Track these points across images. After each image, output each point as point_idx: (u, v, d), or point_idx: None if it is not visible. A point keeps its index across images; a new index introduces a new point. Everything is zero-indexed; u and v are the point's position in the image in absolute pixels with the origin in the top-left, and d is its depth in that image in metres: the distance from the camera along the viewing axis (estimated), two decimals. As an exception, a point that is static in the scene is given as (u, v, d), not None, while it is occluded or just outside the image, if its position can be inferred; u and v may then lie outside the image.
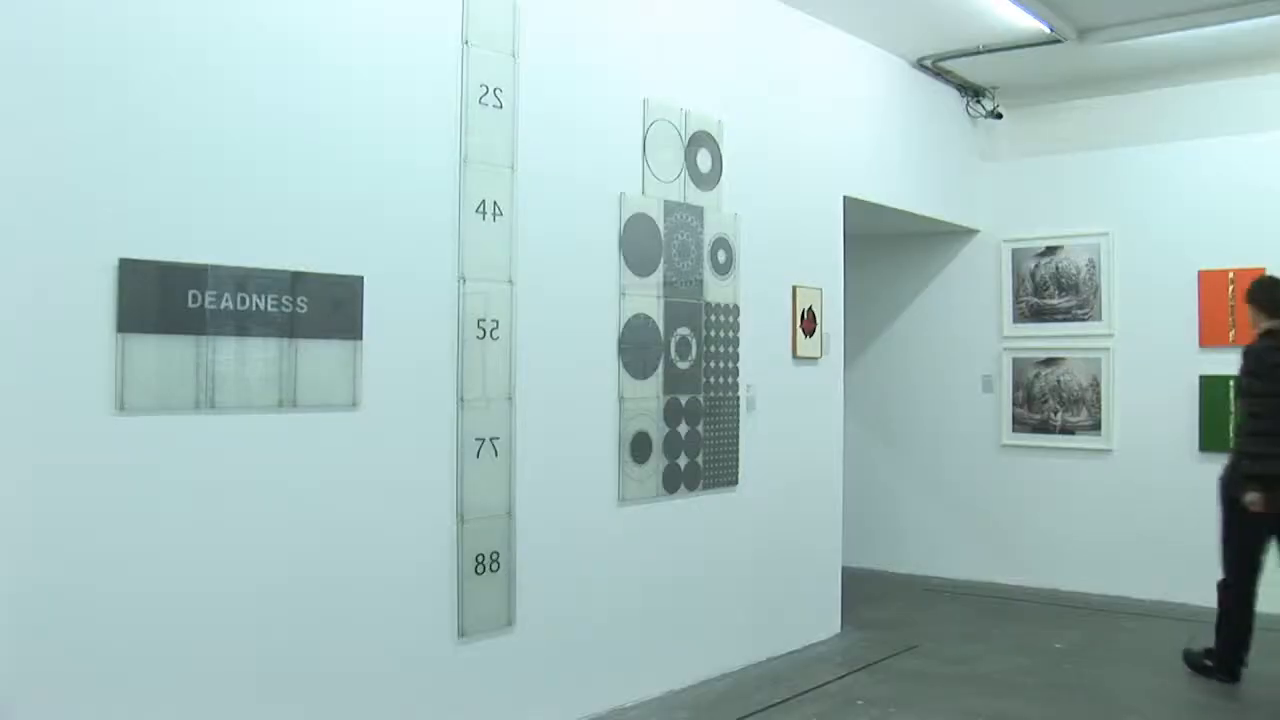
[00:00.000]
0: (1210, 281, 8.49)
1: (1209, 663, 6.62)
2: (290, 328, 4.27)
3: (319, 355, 4.38)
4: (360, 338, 4.52)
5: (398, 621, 4.69)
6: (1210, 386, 8.44)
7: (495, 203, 5.10)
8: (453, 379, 4.93)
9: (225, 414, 4.08)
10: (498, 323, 5.11)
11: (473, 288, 4.99)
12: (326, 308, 4.40)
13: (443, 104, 4.90)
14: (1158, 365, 8.68)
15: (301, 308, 4.30)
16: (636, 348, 5.90)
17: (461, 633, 4.96)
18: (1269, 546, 6.40)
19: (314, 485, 4.37)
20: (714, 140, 6.42)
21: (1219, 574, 6.73)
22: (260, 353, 4.19)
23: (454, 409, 4.93)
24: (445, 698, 4.90)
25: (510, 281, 5.18)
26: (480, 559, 5.03)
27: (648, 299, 5.97)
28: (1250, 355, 6.42)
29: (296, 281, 4.28)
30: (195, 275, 3.98)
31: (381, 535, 4.62)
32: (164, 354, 3.90)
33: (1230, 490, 6.41)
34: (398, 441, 4.69)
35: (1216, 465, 8.28)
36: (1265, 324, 6.46)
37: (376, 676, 4.60)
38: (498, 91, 5.13)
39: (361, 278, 4.53)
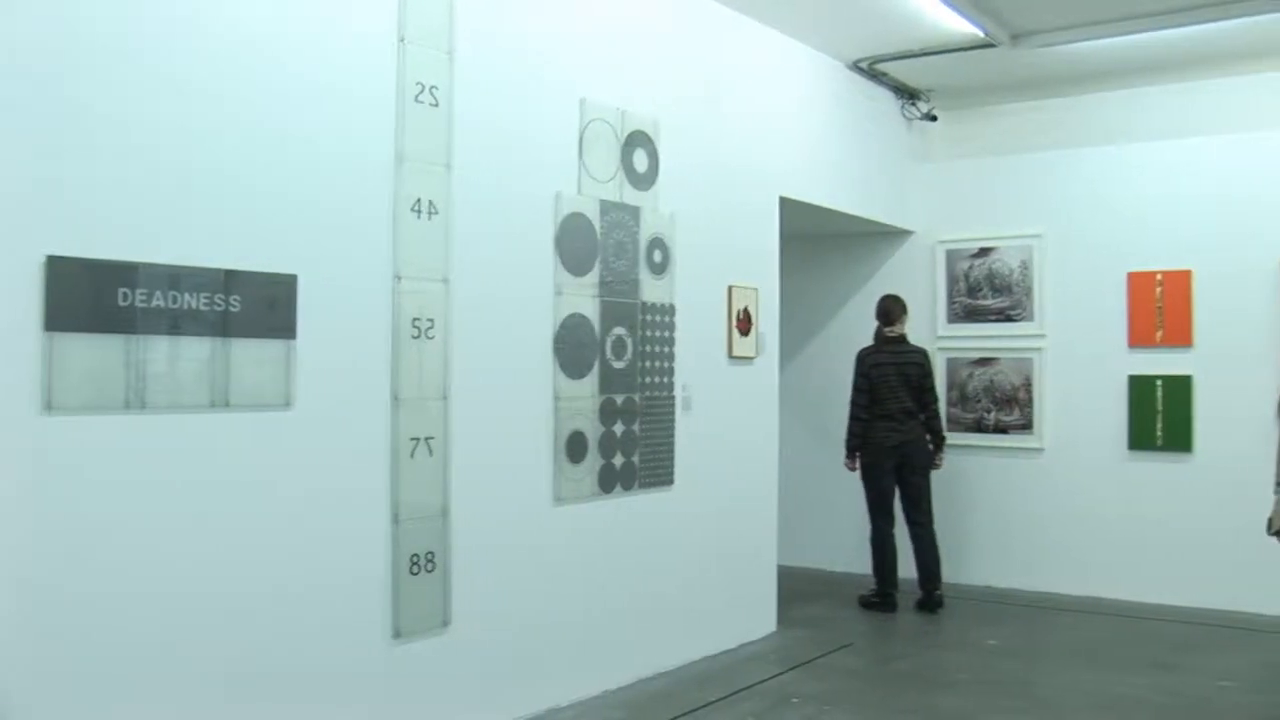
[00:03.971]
0: (1139, 283, 8.63)
1: (875, 600, 8.40)
2: (223, 326, 4.23)
3: (252, 354, 4.34)
4: (294, 337, 4.49)
5: (332, 622, 4.66)
6: (1139, 386, 8.58)
7: (430, 201, 5.09)
8: (387, 378, 4.90)
9: (156, 414, 4.04)
10: (433, 322, 5.10)
11: (408, 286, 4.97)
12: (260, 306, 4.36)
13: (378, 101, 4.87)
14: (1088, 365, 8.81)
15: (234, 306, 4.26)
16: (572, 347, 5.90)
17: (397, 633, 4.94)
18: (893, 497, 8.39)
19: (247, 486, 4.33)
20: (650, 140, 6.43)
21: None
22: (192, 352, 4.14)
23: (389, 409, 4.90)
24: (381, 699, 4.87)
25: (445, 280, 5.16)
26: (415, 559, 5.01)
27: (583, 298, 5.97)
28: (858, 356, 8.48)
29: (230, 280, 4.25)
30: (125, 273, 3.93)
31: (315, 535, 4.59)
32: (93, 353, 3.85)
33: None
34: (332, 441, 4.66)
35: (1145, 464, 8.57)
36: (883, 331, 8.49)
37: (311, 677, 4.56)
38: (433, 90, 5.11)
39: (295, 276, 4.49)
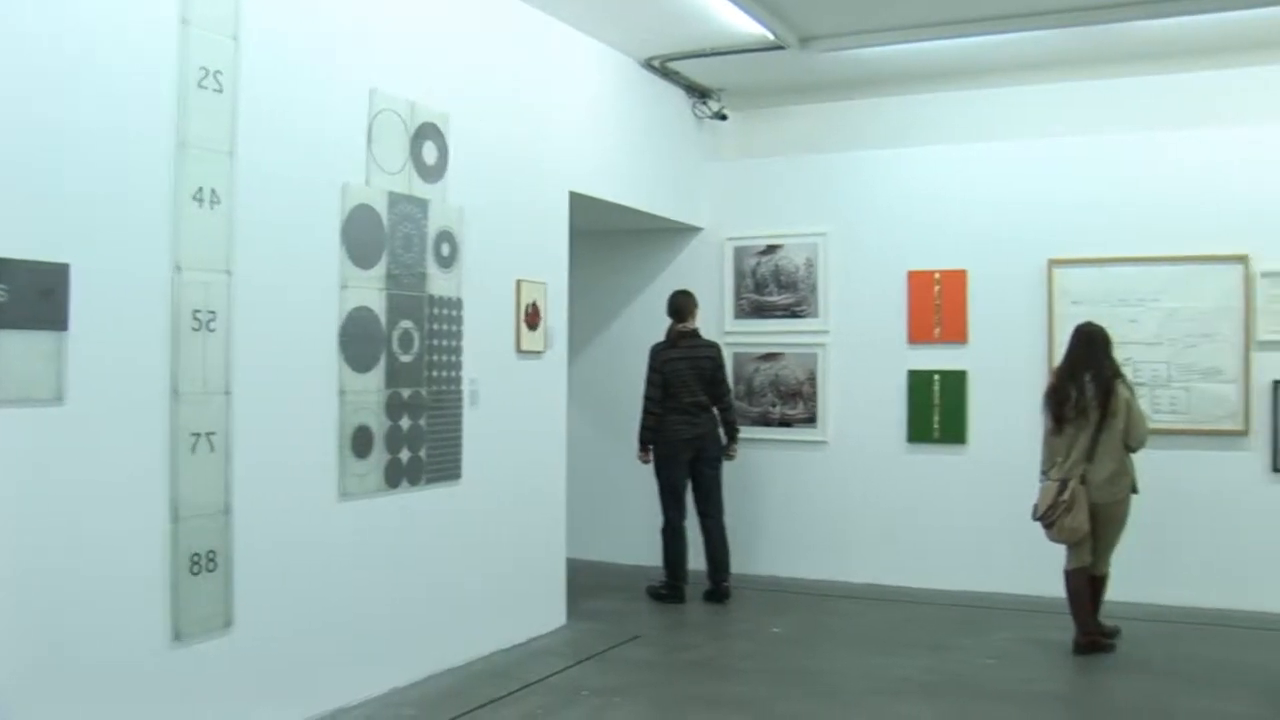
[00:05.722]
0: (918, 281, 8.94)
1: (664, 591, 8.52)
2: (-12, 317, 4.05)
3: (20, 347, 4.15)
4: (66, 328, 4.30)
5: (107, 626, 4.49)
6: (918, 380, 8.89)
7: (213, 190, 4.94)
8: (166, 372, 4.74)
9: (-86, 409, 3.85)
10: (214, 314, 4.95)
11: (189, 278, 4.82)
12: (29, 297, 4.16)
13: (158, 86, 4.71)
14: (869, 360, 9.08)
15: (1, 296, 4.07)
16: (358, 340, 5.81)
17: (176, 636, 4.79)
18: (685, 490, 8.58)
19: (14, 483, 4.14)
20: (440, 133, 6.38)
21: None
22: (-46, 344, 3.96)
23: (167, 403, 4.75)
24: (159, 704, 4.71)
25: (228, 272, 5.02)
26: (196, 558, 4.87)
27: (370, 291, 5.88)
28: (651, 351, 8.59)
29: (-5, 269, 4.06)
30: (-119, 261, 3.74)
31: (88, 534, 4.41)
32: None
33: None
34: (107, 438, 4.49)
35: (923, 456, 8.89)
36: (676, 326, 8.63)
37: (84, 679, 4.38)
38: (217, 75, 4.96)
39: (68, 265, 4.30)
